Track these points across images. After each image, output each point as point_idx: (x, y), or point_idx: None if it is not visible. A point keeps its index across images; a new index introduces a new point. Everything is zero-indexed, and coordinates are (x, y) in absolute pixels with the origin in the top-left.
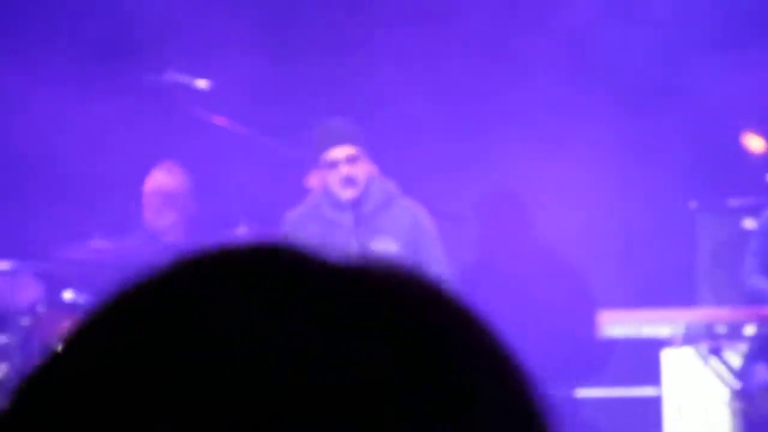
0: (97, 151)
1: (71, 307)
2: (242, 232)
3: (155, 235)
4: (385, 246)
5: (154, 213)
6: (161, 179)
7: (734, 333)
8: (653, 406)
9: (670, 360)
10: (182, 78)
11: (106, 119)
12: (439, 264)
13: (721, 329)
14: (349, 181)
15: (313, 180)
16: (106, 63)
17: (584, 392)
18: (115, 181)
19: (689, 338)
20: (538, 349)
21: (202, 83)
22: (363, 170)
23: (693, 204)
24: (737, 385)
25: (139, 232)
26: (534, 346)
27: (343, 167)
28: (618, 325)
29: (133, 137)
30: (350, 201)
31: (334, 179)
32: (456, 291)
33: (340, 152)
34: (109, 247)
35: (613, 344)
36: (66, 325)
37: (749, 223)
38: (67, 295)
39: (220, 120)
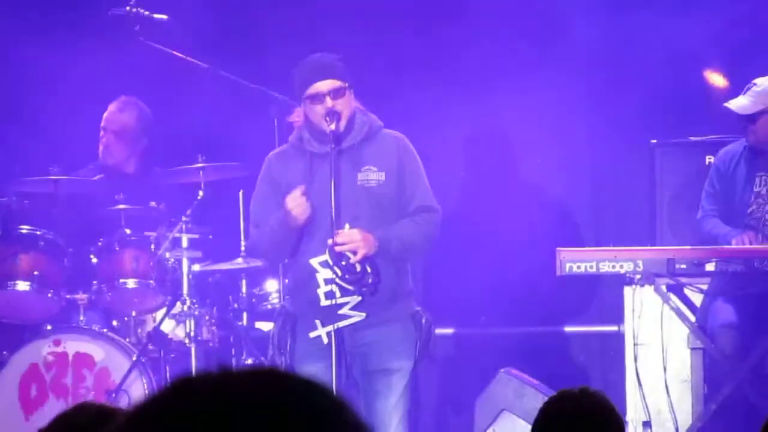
0: (55, 84)
1: (28, 240)
2: (199, 165)
3: (109, 167)
4: (370, 176)
5: (103, 148)
6: (113, 114)
7: (695, 270)
8: (615, 343)
9: (632, 297)
10: (142, 11)
11: (65, 51)
12: (424, 189)
13: (682, 267)
14: (333, 114)
15: (296, 116)
16: None
17: (546, 329)
18: (72, 114)
19: (650, 276)
20: (501, 286)
21: (161, 17)
22: (347, 104)
23: (653, 141)
24: (698, 322)
25: (93, 164)
26: (497, 283)
27: (328, 101)
28: (579, 263)
29: (91, 70)
30: (333, 133)
31: (318, 112)
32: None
33: (323, 85)
34: (64, 179)
35: (575, 282)
36: (21, 258)
37: (711, 160)
38: (24, 228)
39: (178, 54)
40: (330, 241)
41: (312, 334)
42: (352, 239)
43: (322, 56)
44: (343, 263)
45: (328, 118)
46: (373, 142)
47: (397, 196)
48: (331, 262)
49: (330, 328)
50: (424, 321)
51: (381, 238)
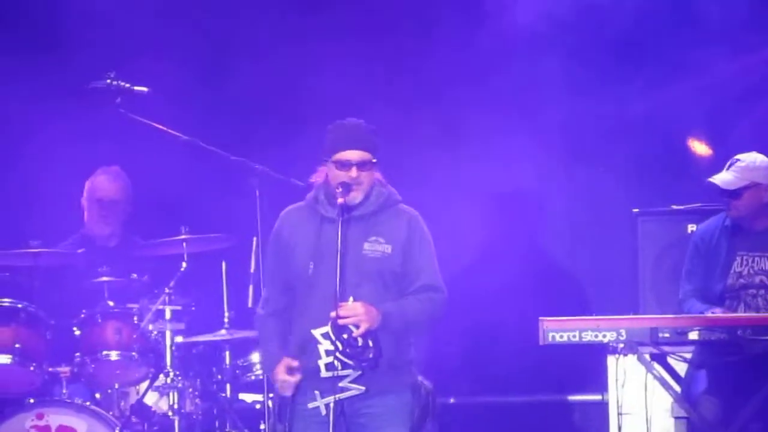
0: (36, 154)
1: (9, 313)
2: (183, 237)
3: (92, 239)
4: (377, 247)
5: (102, 221)
6: (107, 185)
7: (678, 339)
8: (599, 412)
9: (615, 366)
10: (123, 83)
11: (47, 122)
12: (432, 268)
13: (665, 335)
14: (345, 187)
15: (318, 176)
16: (46, 66)
17: (530, 398)
18: (53, 185)
19: (633, 345)
20: (484, 356)
21: (142, 89)
22: (368, 178)
23: (635, 210)
24: (681, 391)
25: (76, 236)
26: (480, 352)
27: (354, 170)
28: (562, 332)
29: (72, 142)
30: (342, 206)
31: (339, 179)
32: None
33: (353, 155)
34: (44, 252)
35: (558, 351)
36: (3, 331)
37: (693, 229)
38: (5, 301)
39: (159, 126)
40: (333, 314)
41: (310, 405)
42: (355, 312)
43: (358, 124)
44: (345, 336)
45: (340, 189)
46: (387, 214)
47: (402, 271)
48: (332, 335)
49: (329, 399)
50: (423, 390)
51: (384, 313)
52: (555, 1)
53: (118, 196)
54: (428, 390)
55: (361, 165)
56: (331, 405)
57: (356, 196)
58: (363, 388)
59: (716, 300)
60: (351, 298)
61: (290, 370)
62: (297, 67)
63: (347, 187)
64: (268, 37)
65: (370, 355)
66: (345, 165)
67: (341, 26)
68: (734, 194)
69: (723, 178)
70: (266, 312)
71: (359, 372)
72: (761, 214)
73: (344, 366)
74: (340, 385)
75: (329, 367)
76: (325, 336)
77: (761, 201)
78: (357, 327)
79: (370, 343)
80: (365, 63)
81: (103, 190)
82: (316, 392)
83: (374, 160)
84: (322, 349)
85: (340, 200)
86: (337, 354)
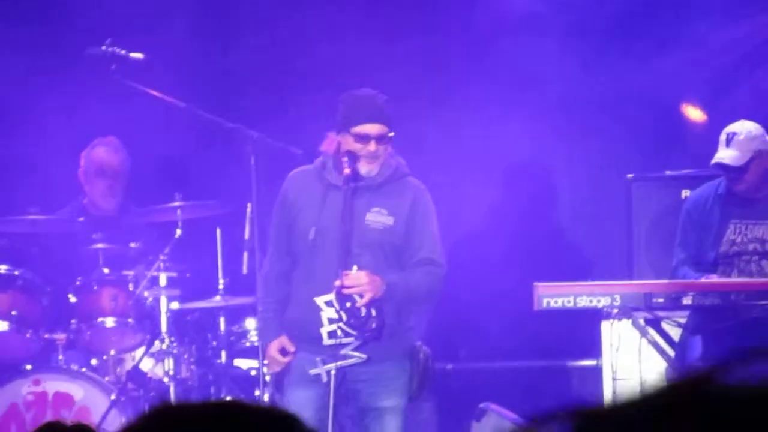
0: (31, 123)
1: (5, 279)
2: (177, 204)
3: (90, 208)
4: (379, 218)
5: (98, 189)
6: (110, 157)
7: (672, 304)
8: (593, 377)
9: (609, 332)
10: (119, 50)
11: (40, 90)
12: (432, 243)
13: (659, 300)
14: (352, 157)
15: (327, 144)
16: (41, 34)
17: (524, 364)
18: (50, 153)
19: (627, 310)
20: (479, 321)
21: (138, 55)
22: (385, 152)
23: (629, 176)
24: (676, 356)
25: (74, 204)
26: (475, 318)
27: (372, 144)
28: (556, 297)
29: (68, 109)
30: (348, 176)
31: (358, 152)
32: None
33: (373, 128)
34: (41, 219)
35: (552, 316)
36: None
37: (687, 195)
38: (1, 268)
39: (155, 92)
40: (337, 283)
41: (312, 371)
42: (359, 282)
43: (375, 96)
44: (348, 305)
45: (346, 159)
46: (393, 185)
47: (403, 243)
48: (336, 304)
49: (331, 366)
50: (421, 356)
51: (389, 283)
52: None
53: (121, 167)
54: (426, 356)
55: (380, 138)
56: (332, 372)
57: (372, 169)
58: (365, 356)
59: (709, 267)
60: (355, 267)
61: (284, 351)
62: (294, 35)
63: (354, 157)
64: (266, 4)
65: (373, 325)
66: (364, 138)
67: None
68: (741, 169)
69: (730, 156)
70: (270, 271)
71: (361, 340)
72: (763, 182)
73: (346, 334)
74: (342, 352)
75: (331, 334)
76: (328, 304)
77: (765, 168)
78: (361, 296)
79: (373, 313)
80: (364, 32)
81: (106, 163)
82: (318, 359)
83: (391, 134)
84: (324, 316)
85: (346, 170)
86: (341, 324)
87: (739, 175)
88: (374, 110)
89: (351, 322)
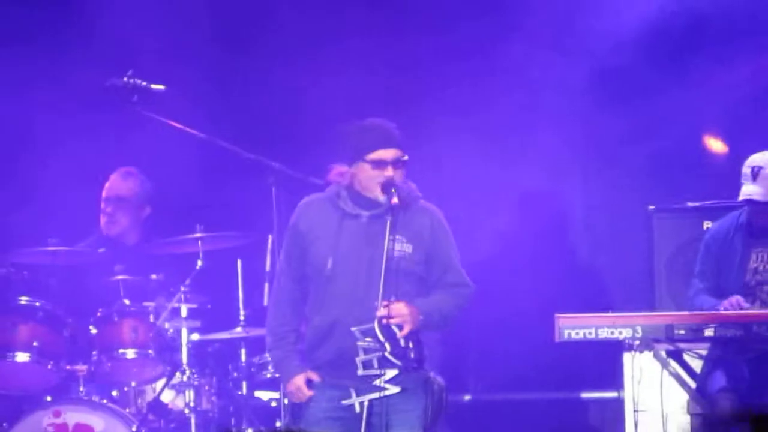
0: (54, 155)
1: (26, 311)
2: (198, 235)
3: (110, 238)
4: (398, 246)
5: (107, 218)
6: (116, 184)
7: (694, 336)
8: (614, 409)
9: (631, 363)
10: (140, 81)
11: (63, 122)
12: (456, 265)
13: (681, 332)
14: (391, 186)
15: (336, 175)
16: (64, 66)
17: (545, 396)
18: (72, 184)
19: (649, 341)
20: (499, 353)
21: (159, 87)
22: (401, 176)
23: (651, 207)
24: (697, 387)
25: (95, 235)
26: (496, 350)
27: (389, 169)
28: (578, 329)
29: (90, 141)
30: (394, 206)
31: (373, 179)
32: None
33: (388, 154)
34: (62, 250)
35: (574, 348)
36: (21, 329)
37: (708, 226)
38: (23, 299)
39: (176, 124)
40: (380, 313)
41: (345, 402)
42: (400, 313)
43: (384, 123)
44: (391, 336)
45: (392, 191)
46: (408, 212)
47: (423, 270)
48: (380, 335)
49: (365, 397)
50: (436, 387)
51: (425, 311)
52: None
53: (127, 194)
54: (441, 387)
55: (396, 163)
56: (366, 403)
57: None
58: (398, 388)
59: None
60: (393, 298)
61: (308, 382)
62: (317, 67)
63: (394, 187)
64: (285, 37)
65: (412, 355)
66: (381, 164)
67: (358, 26)
68: None
69: (759, 192)
70: (283, 300)
71: (396, 371)
72: None
73: (381, 365)
74: (376, 383)
75: (366, 365)
76: (365, 333)
77: None
78: (400, 327)
79: (411, 344)
80: (379, 64)
81: (110, 189)
82: (352, 389)
83: (405, 158)
84: (360, 346)
85: (395, 200)
86: (386, 354)
87: (766, 208)
88: (387, 136)
89: (395, 351)
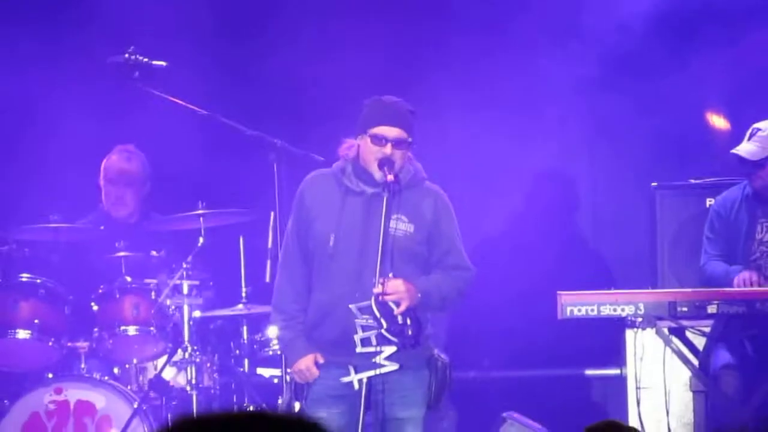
0: (54, 131)
1: (28, 288)
2: (200, 212)
3: (110, 216)
4: (399, 225)
5: (115, 200)
6: (121, 165)
7: (696, 313)
8: (617, 386)
9: (633, 340)
10: (141, 58)
11: (64, 98)
12: (458, 248)
13: (684, 309)
14: (390, 164)
15: (346, 148)
16: (64, 42)
17: (548, 372)
18: (73, 161)
19: (651, 318)
20: (503, 330)
21: (160, 63)
22: (402, 157)
23: (654, 184)
24: (700, 365)
25: (96, 212)
26: (499, 327)
27: (388, 147)
28: (580, 306)
29: (91, 117)
30: (389, 184)
31: (373, 153)
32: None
33: (390, 131)
34: (64, 227)
35: (577, 325)
36: (22, 306)
37: (711, 203)
38: (24, 276)
39: (178, 100)
40: (377, 290)
41: (344, 379)
42: (397, 290)
43: (398, 102)
44: (388, 313)
45: (387, 168)
46: (412, 192)
47: (424, 251)
48: (377, 312)
49: (363, 375)
50: (440, 364)
51: (423, 290)
52: None
53: (133, 176)
54: (445, 364)
55: (397, 143)
56: (364, 380)
57: (387, 175)
58: (397, 365)
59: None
60: (391, 275)
61: (316, 363)
62: (319, 44)
63: (391, 163)
64: (287, 13)
65: (410, 333)
66: (380, 140)
67: (362, 2)
68: (758, 164)
69: (747, 149)
70: (290, 277)
71: (394, 348)
72: None
73: (380, 342)
74: (374, 360)
75: (364, 342)
76: (363, 311)
77: None
78: (397, 304)
79: (408, 321)
80: (387, 43)
81: (116, 171)
82: (350, 367)
83: (410, 140)
84: (359, 323)
85: (389, 177)
86: (383, 331)
87: (755, 171)
88: (393, 114)
89: (391, 329)
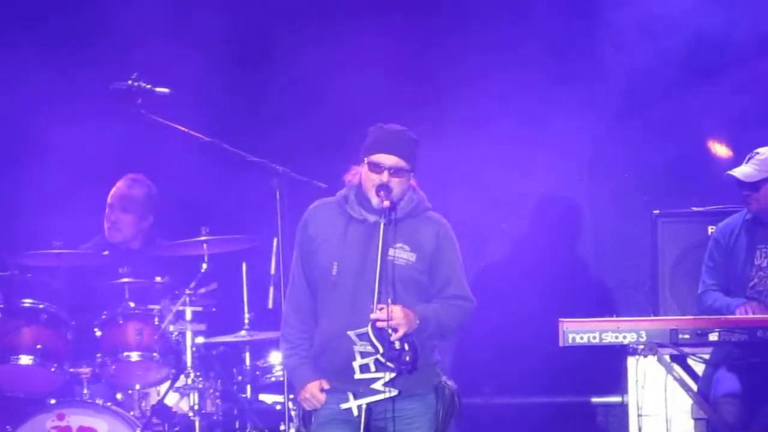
0: (58, 158)
1: (30, 313)
2: (203, 238)
3: (116, 244)
4: (400, 254)
5: (110, 225)
6: (121, 192)
7: (698, 340)
8: (618, 414)
9: (635, 368)
10: (144, 84)
11: (67, 125)
12: (459, 279)
13: (685, 337)
14: (385, 190)
15: (351, 175)
16: (68, 69)
17: (549, 400)
18: (77, 187)
19: (653, 346)
20: (504, 357)
21: (163, 90)
22: (401, 185)
23: (656, 212)
24: (701, 392)
25: (98, 238)
26: (501, 354)
27: (385, 174)
28: (582, 333)
29: (94, 144)
30: (385, 210)
31: (371, 181)
32: None
33: (387, 159)
34: (67, 253)
35: (579, 353)
36: (24, 332)
37: (713, 230)
38: (27, 302)
39: (181, 127)
40: (374, 315)
41: (343, 406)
42: (395, 316)
43: (399, 131)
44: (384, 339)
45: (382, 193)
46: (415, 221)
47: (426, 280)
48: (373, 338)
49: (362, 401)
50: (447, 391)
51: (422, 317)
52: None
53: (132, 203)
54: (452, 390)
55: (395, 171)
56: (363, 407)
57: (390, 198)
58: (396, 391)
59: (739, 295)
60: (390, 300)
61: (322, 390)
62: (321, 71)
63: (387, 190)
64: (290, 40)
65: (407, 358)
66: (377, 168)
67: (367, 28)
68: (754, 187)
69: (743, 171)
70: (295, 305)
71: (393, 375)
72: None
73: (379, 368)
74: (373, 387)
75: (363, 368)
76: (361, 337)
77: None
78: (395, 330)
79: (406, 347)
80: (390, 67)
81: (116, 197)
82: (349, 394)
83: (408, 168)
84: (357, 350)
85: (385, 203)
86: (378, 356)
87: (751, 193)
88: (393, 142)
89: (388, 354)
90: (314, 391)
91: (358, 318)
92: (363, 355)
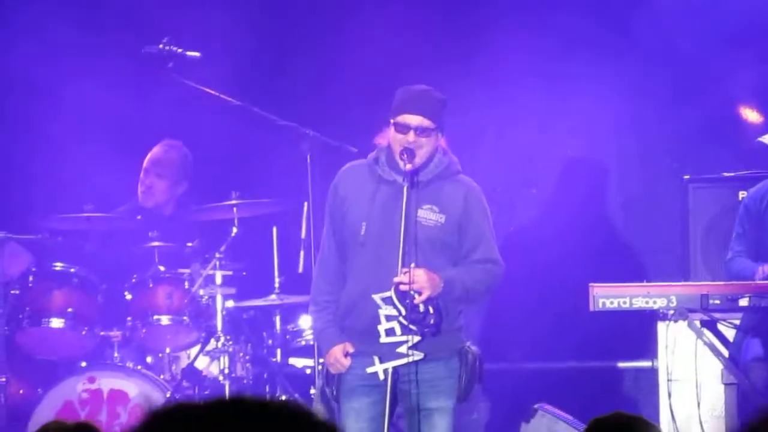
0: (90, 121)
1: (61, 276)
2: (233, 202)
3: (148, 209)
4: (430, 215)
5: (144, 189)
6: (157, 156)
7: (728, 305)
8: (648, 379)
9: (665, 333)
10: (175, 48)
11: (101, 90)
12: (489, 242)
13: (716, 302)
14: (410, 152)
15: (381, 137)
16: (100, 34)
17: (580, 365)
18: (107, 151)
19: (683, 311)
20: (535, 322)
21: (194, 54)
22: (429, 144)
23: (686, 177)
24: (731, 357)
25: (132, 203)
26: (531, 319)
27: (411, 134)
28: (612, 298)
29: (126, 108)
30: (408, 172)
31: (398, 142)
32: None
33: (412, 119)
34: (97, 216)
35: (609, 317)
36: (55, 295)
37: (743, 195)
38: (58, 265)
39: (212, 91)
40: (397, 279)
41: (369, 370)
42: (418, 279)
43: (425, 90)
44: (407, 301)
45: (406, 157)
46: (444, 183)
47: (456, 242)
48: (396, 301)
49: (388, 365)
50: (470, 356)
51: (447, 280)
52: None
53: (166, 168)
54: (475, 356)
55: (420, 131)
56: (389, 370)
57: (414, 162)
58: (422, 354)
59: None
60: (413, 264)
61: (346, 353)
62: (353, 33)
63: (411, 153)
64: (322, 3)
65: (432, 322)
66: (403, 128)
67: None
68: None
69: None
70: (325, 267)
71: (418, 338)
72: None
73: (404, 331)
74: (398, 350)
75: (389, 332)
76: (386, 301)
77: None
78: (419, 293)
79: (431, 310)
80: (424, 31)
81: (151, 161)
82: (375, 357)
83: (434, 127)
84: (382, 314)
85: (408, 166)
86: (401, 319)
87: None
88: (419, 102)
89: (411, 317)
90: (338, 356)
91: (383, 281)
92: (388, 318)
